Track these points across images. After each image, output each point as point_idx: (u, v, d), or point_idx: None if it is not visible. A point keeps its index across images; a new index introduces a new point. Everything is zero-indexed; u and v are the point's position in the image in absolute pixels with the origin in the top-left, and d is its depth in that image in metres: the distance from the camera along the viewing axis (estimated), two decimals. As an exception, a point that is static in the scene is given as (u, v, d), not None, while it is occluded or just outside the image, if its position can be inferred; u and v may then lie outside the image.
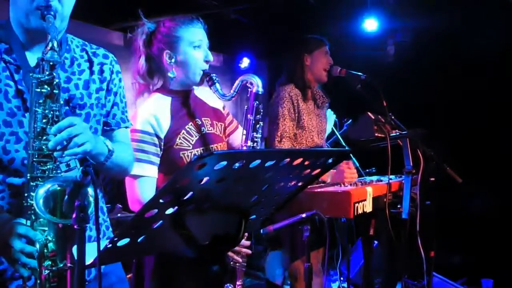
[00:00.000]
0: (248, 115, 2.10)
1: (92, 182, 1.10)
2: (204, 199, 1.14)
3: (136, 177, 1.97)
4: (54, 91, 1.38)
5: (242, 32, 5.46)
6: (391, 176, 2.83)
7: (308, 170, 1.41)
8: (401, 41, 5.41)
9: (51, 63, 1.37)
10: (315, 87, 3.12)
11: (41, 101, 1.37)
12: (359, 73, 3.05)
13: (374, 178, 3.02)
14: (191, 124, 2.10)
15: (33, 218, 1.37)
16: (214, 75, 2.12)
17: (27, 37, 1.53)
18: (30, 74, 1.39)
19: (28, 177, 1.38)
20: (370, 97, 2.99)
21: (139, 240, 1.16)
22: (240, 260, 2.05)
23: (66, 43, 1.64)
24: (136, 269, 2.01)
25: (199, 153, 2.08)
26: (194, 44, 2.07)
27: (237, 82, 2.13)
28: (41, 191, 1.31)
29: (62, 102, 1.42)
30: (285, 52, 3.29)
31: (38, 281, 1.34)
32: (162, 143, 2.03)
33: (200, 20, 2.15)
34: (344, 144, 3.67)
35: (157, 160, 2.01)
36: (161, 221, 1.14)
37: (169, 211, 1.12)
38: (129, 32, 2.22)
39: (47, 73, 1.37)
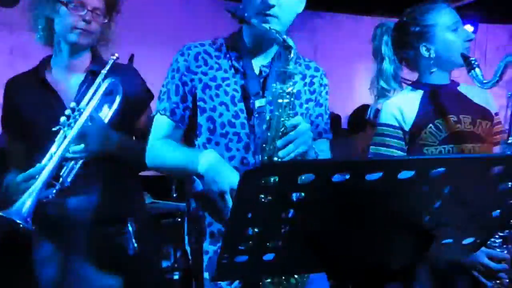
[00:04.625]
0: None
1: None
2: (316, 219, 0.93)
3: None
4: (291, 99, 1.47)
5: None
6: None
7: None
8: None
9: (290, 74, 1.46)
10: None
11: (279, 111, 1.46)
12: None
13: None
14: (442, 119, 1.83)
15: None
16: (473, 58, 1.79)
17: (254, 43, 1.63)
18: (274, 85, 1.48)
19: None
20: None
21: (265, 258, 1.03)
22: (489, 284, 1.67)
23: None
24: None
25: (445, 151, 1.80)
26: (451, 28, 1.84)
27: (500, 64, 1.73)
28: None
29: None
30: None
31: None
32: (407, 137, 1.85)
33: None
34: None
35: (401, 155, 1.84)
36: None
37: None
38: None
39: (289, 83, 1.46)
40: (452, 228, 1.12)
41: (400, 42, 1.91)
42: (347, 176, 0.84)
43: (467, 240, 1.17)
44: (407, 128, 1.83)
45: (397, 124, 1.84)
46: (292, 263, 1.08)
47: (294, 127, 1.43)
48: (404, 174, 0.87)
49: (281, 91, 1.45)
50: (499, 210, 1.08)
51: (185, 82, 1.60)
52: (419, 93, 1.89)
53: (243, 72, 1.62)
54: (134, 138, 1.96)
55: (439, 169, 0.89)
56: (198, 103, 1.60)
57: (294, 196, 0.90)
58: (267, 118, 1.50)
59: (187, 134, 1.66)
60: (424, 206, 1.01)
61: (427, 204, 1.00)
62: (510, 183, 1.00)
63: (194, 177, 1.54)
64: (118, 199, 1.86)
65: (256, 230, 0.95)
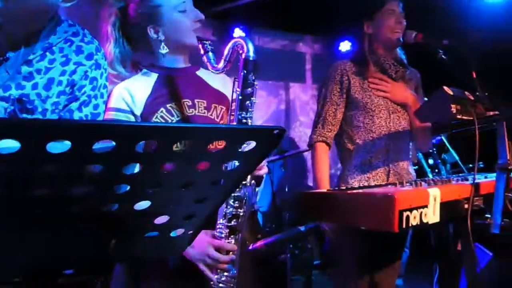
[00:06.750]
0: (237, 88, 1.66)
1: None
2: None
3: None
4: None
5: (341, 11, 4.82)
6: (487, 175, 2.08)
7: (204, 162, 0.85)
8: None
9: None
10: (385, 57, 2.45)
11: None
12: (441, 38, 2.29)
13: (483, 176, 2.20)
14: (175, 104, 1.74)
15: None
16: (208, 42, 1.74)
17: None
18: None
19: None
20: (456, 68, 2.24)
21: None
22: (214, 278, 1.58)
23: (53, 31, 1.37)
24: None
25: None
26: (179, 8, 1.75)
27: (227, 47, 1.69)
28: None
29: None
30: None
31: None
32: (139, 121, 1.71)
33: None
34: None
35: None
36: None
37: None
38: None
39: None
40: (154, 219, 0.96)
41: (127, 25, 1.77)
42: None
43: (175, 233, 1.03)
44: (138, 112, 1.71)
45: (127, 108, 1.71)
46: None
47: None
48: (54, 147, 0.65)
49: None
50: (202, 195, 0.95)
51: None
52: (154, 76, 1.78)
53: None
54: None
55: (108, 142, 0.70)
56: None
57: None
58: None
59: None
60: (105, 191, 0.81)
61: (107, 189, 0.80)
62: (208, 164, 0.87)
63: None
64: None
65: None
